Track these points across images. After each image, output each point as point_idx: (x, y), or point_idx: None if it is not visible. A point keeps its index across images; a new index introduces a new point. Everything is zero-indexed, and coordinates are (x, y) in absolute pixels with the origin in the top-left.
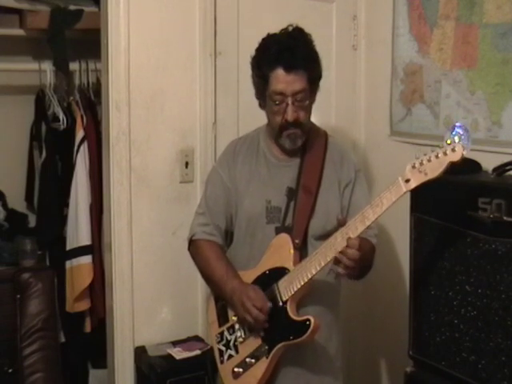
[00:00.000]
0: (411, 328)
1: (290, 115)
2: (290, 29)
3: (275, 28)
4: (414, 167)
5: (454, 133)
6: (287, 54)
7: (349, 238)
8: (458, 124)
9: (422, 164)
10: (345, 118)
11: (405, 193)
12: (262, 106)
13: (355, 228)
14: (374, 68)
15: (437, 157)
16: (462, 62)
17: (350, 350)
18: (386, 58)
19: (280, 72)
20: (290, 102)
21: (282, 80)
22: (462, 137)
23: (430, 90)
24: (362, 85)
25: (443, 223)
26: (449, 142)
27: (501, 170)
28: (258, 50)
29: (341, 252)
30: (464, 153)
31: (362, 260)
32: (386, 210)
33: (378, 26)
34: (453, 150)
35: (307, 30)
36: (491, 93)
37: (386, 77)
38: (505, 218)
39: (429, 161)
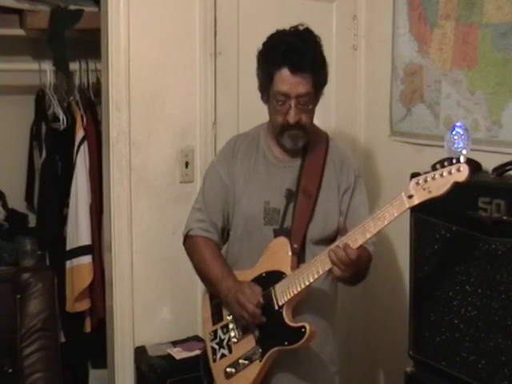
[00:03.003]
0: (411, 328)
1: (292, 117)
2: (300, 28)
3: (275, 28)
4: (418, 184)
5: (453, 132)
6: (295, 55)
7: (347, 246)
8: (458, 124)
9: (426, 181)
10: (345, 118)
11: (407, 209)
12: (265, 100)
13: (355, 239)
14: (374, 68)
15: (442, 175)
16: (462, 62)
17: (350, 350)
18: (386, 58)
19: (286, 72)
20: (293, 105)
21: (287, 81)
22: (462, 137)
23: (430, 90)
24: (362, 85)
25: (443, 223)
26: (454, 160)
27: (501, 170)
28: (265, 45)
29: (334, 252)
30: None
31: (356, 267)
32: (387, 225)
33: (378, 26)
34: (458, 169)
35: None
36: (491, 93)
37: (386, 77)
38: (505, 218)
39: (433, 179)
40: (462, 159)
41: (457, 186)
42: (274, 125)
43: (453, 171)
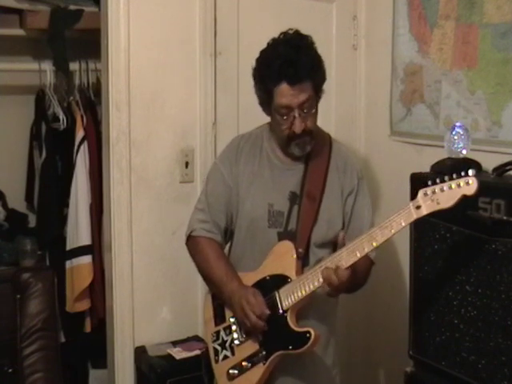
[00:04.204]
0: (411, 328)
1: (297, 127)
2: (290, 35)
3: (275, 28)
4: (426, 195)
5: (453, 133)
6: (291, 68)
7: (338, 268)
8: (457, 124)
9: (434, 193)
10: (345, 118)
11: (415, 220)
12: (267, 114)
13: (362, 248)
14: (374, 68)
15: (450, 188)
16: (462, 62)
17: (350, 350)
18: (386, 58)
19: (285, 86)
20: (296, 115)
21: (287, 93)
22: (462, 137)
23: (430, 90)
24: (362, 85)
25: (443, 223)
26: (463, 173)
27: (501, 170)
28: (259, 62)
29: (325, 273)
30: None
31: (350, 283)
32: (394, 234)
33: (378, 26)
34: (467, 183)
35: (307, 30)
36: (491, 93)
37: (386, 77)
38: (505, 218)
39: (442, 190)
40: (470, 172)
41: (465, 198)
42: (279, 136)
43: (462, 184)
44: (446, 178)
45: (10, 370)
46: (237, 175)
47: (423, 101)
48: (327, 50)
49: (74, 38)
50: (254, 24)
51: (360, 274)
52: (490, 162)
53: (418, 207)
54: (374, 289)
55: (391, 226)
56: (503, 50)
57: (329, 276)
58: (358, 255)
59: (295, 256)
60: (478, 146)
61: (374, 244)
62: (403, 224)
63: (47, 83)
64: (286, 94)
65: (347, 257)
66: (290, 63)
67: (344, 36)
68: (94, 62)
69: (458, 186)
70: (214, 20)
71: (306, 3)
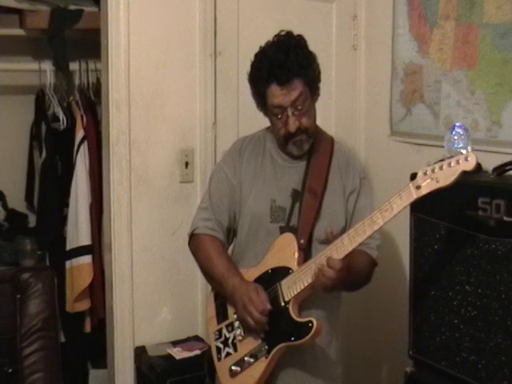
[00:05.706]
0: (411, 328)
1: (291, 126)
2: (281, 37)
3: (275, 28)
4: (425, 174)
5: (453, 133)
6: (279, 69)
7: (329, 258)
8: (457, 124)
9: (433, 171)
10: (345, 118)
11: (415, 199)
12: (265, 114)
13: (363, 232)
14: (374, 68)
15: (449, 165)
16: (462, 62)
17: (350, 350)
18: (386, 58)
19: (274, 87)
20: (289, 114)
21: (278, 94)
22: (462, 137)
23: (430, 90)
24: (362, 85)
25: (443, 223)
26: (462, 151)
27: (501, 170)
28: (252, 66)
29: (319, 269)
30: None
31: (348, 278)
32: (395, 216)
33: (378, 26)
34: (466, 159)
35: (307, 30)
36: (491, 93)
37: (386, 77)
38: (505, 218)
39: (441, 168)
40: (469, 148)
41: (465, 175)
42: (277, 137)
43: (460, 161)
44: (446, 157)
45: (10, 370)
46: (240, 174)
47: (423, 101)
48: (327, 50)
49: (74, 38)
50: (254, 24)
51: (356, 270)
52: (489, 162)
53: (418, 187)
54: (374, 289)
55: (392, 207)
56: (503, 50)
57: (325, 273)
58: (359, 240)
59: (297, 247)
60: (478, 146)
61: (376, 227)
62: (404, 205)
63: (47, 83)
64: (276, 94)
65: (349, 242)
66: (277, 65)
67: (344, 36)
68: (94, 62)
69: (457, 162)
70: (214, 20)
71: (305, 3)
